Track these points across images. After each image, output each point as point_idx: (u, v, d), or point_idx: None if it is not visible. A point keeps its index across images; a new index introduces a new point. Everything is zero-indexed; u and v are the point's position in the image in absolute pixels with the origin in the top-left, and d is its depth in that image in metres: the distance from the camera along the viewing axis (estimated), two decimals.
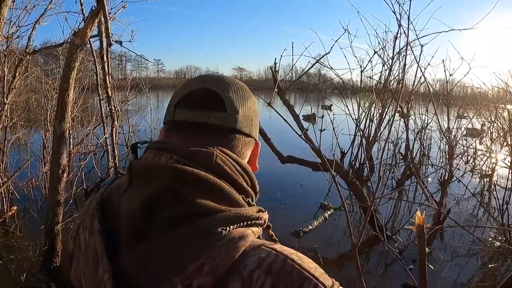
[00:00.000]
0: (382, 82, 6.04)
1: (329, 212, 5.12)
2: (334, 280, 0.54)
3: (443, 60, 4.94)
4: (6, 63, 4.45)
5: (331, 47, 4.56)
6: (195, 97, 0.62)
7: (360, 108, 5.97)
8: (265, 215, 0.60)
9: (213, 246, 0.50)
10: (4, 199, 4.51)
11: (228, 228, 0.51)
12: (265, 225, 0.61)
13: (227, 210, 0.54)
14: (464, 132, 7.02)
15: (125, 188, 0.58)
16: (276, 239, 0.70)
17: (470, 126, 6.77)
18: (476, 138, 6.18)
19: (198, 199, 0.53)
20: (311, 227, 4.65)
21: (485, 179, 6.51)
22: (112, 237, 0.55)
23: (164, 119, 0.66)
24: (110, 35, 3.14)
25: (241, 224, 0.54)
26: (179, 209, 0.52)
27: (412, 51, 3.48)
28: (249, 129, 0.66)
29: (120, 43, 3.50)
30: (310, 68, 4.69)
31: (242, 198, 0.59)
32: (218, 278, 0.49)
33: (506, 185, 4.90)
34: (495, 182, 5.69)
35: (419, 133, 7.03)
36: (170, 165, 0.56)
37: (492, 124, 6.22)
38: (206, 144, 0.59)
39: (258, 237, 0.58)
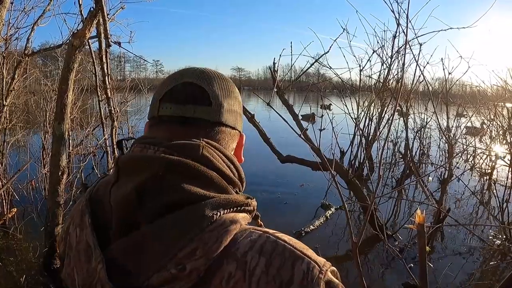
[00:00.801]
0: (381, 81, 6.04)
1: (330, 212, 5.11)
2: (326, 260, 0.55)
3: (442, 58, 4.95)
4: (5, 65, 4.45)
5: (330, 47, 4.57)
6: (180, 91, 0.62)
7: (360, 107, 5.97)
8: (254, 202, 0.61)
9: (204, 230, 0.50)
10: (3, 201, 4.50)
11: (218, 213, 0.52)
12: (254, 212, 0.62)
13: (216, 196, 0.55)
14: (464, 131, 7.03)
15: (113, 182, 0.58)
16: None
17: (470, 124, 6.78)
18: (475, 137, 6.17)
19: (188, 187, 0.54)
20: (313, 227, 4.64)
21: (485, 178, 6.51)
22: (101, 232, 0.56)
23: (148, 114, 0.66)
24: (109, 36, 3.14)
25: (231, 209, 0.55)
26: (168, 197, 0.53)
27: (411, 50, 3.50)
28: (234, 122, 0.66)
29: (119, 44, 3.49)
30: (309, 68, 4.71)
31: (230, 188, 0.60)
32: (210, 262, 0.49)
33: (506, 183, 4.90)
34: (495, 180, 5.69)
35: (419, 132, 7.04)
36: (158, 155, 0.56)
37: (492, 123, 6.22)
38: (192, 137, 0.59)
39: (248, 224, 0.58)
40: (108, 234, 0.55)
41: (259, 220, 0.69)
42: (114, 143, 4.19)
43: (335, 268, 0.56)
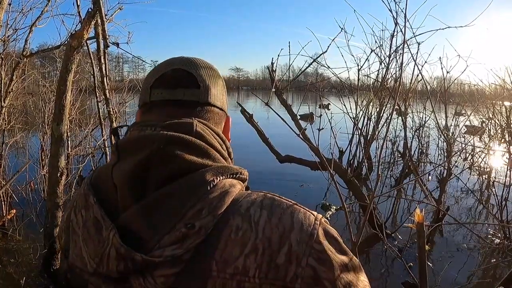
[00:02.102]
0: (380, 80, 6.05)
1: (330, 213, 5.11)
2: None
3: (440, 57, 4.95)
4: (3, 66, 4.43)
5: (328, 46, 4.58)
6: (169, 77, 0.67)
7: (358, 106, 5.97)
8: (246, 172, 0.66)
9: (208, 192, 0.55)
10: (2, 202, 4.49)
11: (218, 178, 0.58)
12: (247, 182, 0.67)
13: (214, 164, 0.60)
14: (464, 130, 7.04)
15: (114, 163, 0.61)
16: None
17: (469, 123, 6.79)
18: (474, 136, 6.18)
19: (188, 157, 0.58)
20: None
21: (484, 176, 6.52)
22: (107, 208, 0.58)
23: (139, 103, 0.71)
24: (107, 37, 3.14)
25: (228, 175, 0.60)
26: (171, 167, 0.57)
27: (409, 49, 3.49)
28: (221, 103, 0.72)
29: (117, 44, 3.49)
30: (307, 68, 4.69)
31: (223, 160, 0.65)
32: (217, 219, 0.54)
33: (505, 181, 4.90)
34: (494, 179, 5.70)
35: (417, 131, 7.04)
36: (156, 133, 0.60)
37: (490, 121, 6.23)
38: (184, 117, 0.64)
39: None
40: (113, 213, 0.57)
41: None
42: (113, 143, 4.18)
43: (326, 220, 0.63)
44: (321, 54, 4.63)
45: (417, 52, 4.15)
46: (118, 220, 0.55)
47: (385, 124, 5.81)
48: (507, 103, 5.56)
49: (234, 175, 0.62)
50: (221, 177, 0.58)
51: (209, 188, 0.55)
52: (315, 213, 0.60)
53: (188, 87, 0.66)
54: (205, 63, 0.72)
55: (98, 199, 0.60)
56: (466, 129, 7.17)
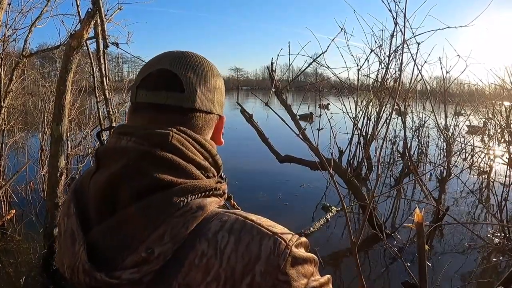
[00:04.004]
0: (379, 80, 6.06)
1: (331, 214, 5.10)
2: (295, 234, 0.60)
3: (439, 57, 4.97)
4: (2, 66, 4.43)
5: (328, 46, 4.59)
6: (154, 78, 0.65)
7: (358, 106, 5.98)
8: (224, 186, 0.64)
9: (172, 216, 0.54)
10: (2, 202, 4.49)
11: (186, 199, 0.56)
12: (225, 195, 0.65)
13: (184, 182, 0.58)
14: (466, 130, 7.04)
15: (93, 172, 0.62)
16: (239, 208, 0.74)
17: (470, 123, 6.78)
18: (474, 135, 6.19)
19: (157, 174, 0.57)
20: (313, 229, 4.61)
21: (483, 176, 6.52)
22: (85, 219, 0.59)
23: (130, 99, 0.70)
24: (107, 37, 3.14)
25: (199, 194, 0.58)
26: (139, 184, 0.56)
27: (409, 49, 3.50)
28: (210, 107, 0.68)
29: (117, 44, 3.49)
30: (307, 68, 4.70)
31: (201, 173, 0.63)
32: (178, 245, 0.53)
33: (504, 181, 4.91)
34: (493, 179, 5.70)
35: (417, 130, 7.05)
36: (129, 146, 0.59)
37: (490, 121, 6.23)
38: (165, 124, 0.62)
39: (219, 207, 0.62)
40: (90, 221, 0.58)
41: (232, 201, 0.73)
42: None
43: (304, 240, 0.60)
44: (320, 54, 4.65)
45: (416, 52, 4.17)
46: (90, 234, 0.56)
47: (385, 124, 5.81)
48: (506, 103, 5.57)
49: (208, 192, 0.59)
50: (190, 197, 0.56)
51: (174, 211, 0.54)
52: (289, 236, 0.58)
53: (171, 90, 0.63)
54: (197, 61, 0.68)
55: (78, 207, 0.61)
56: (467, 129, 7.17)
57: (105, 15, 3.11)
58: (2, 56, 4.46)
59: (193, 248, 0.53)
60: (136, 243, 0.53)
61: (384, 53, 5.91)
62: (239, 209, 0.73)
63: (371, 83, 6.41)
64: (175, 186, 0.56)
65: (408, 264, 2.69)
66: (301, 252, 0.58)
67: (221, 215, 0.58)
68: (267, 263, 0.53)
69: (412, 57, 3.57)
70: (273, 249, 0.54)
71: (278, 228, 0.59)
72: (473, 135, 6.16)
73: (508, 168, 4.94)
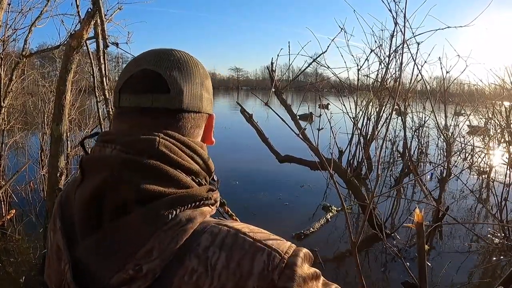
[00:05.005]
0: (379, 80, 6.06)
1: (331, 214, 5.10)
2: (291, 243, 0.56)
3: (439, 57, 4.96)
4: (2, 66, 4.43)
5: (328, 46, 4.59)
6: (137, 80, 0.60)
7: (358, 106, 5.98)
8: (215, 194, 0.61)
9: (160, 230, 0.51)
10: (2, 202, 4.49)
11: (174, 212, 0.53)
12: (217, 203, 0.62)
13: (172, 193, 0.54)
14: (467, 130, 7.03)
15: (78, 183, 0.59)
16: (233, 214, 0.72)
17: (470, 123, 6.77)
18: (474, 135, 6.19)
19: (143, 185, 0.53)
20: (313, 230, 4.61)
21: (483, 176, 6.52)
22: (72, 233, 0.57)
23: (113, 104, 0.65)
24: (107, 37, 3.14)
25: (189, 205, 0.54)
26: (125, 196, 0.53)
27: (409, 49, 3.50)
28: (198, 106, 0.64)
29: (117, 44, 3.49)
30: (307, 68, 4.71)
31: (192, 179, 0.59)
32: (167, 261, 0.50)
33: (504, 181, 4.91)
34: (493, 179, 5.70)
35: (417, 130, 7.04)
36: (114, 155, 0.56)
37: (490, 121, 6.23)
38: (151, 128, 0.58)
39: (211, 216, 0.59)
40: (77, 235, 0.56)
41: (226, 207, 0.70)
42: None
43: (304, 251, 0.56)
44: (320, 54, 4.65)
45: (416, 52, 4.16)
46: (76, 250, 0.54)
47: (385, 124, 5.81)
48: (506, 103, 5.56)
49: (198, 202, 0.56)
50: (179, 209, 0.53)
51: (161, 225, 0.51)
52: (284, 248, 0.54)
53: (156, 92, 0.59)
54: (181, 58, 0.64)
55: (64, 222, 0.59)
56: (468, 129, 7.17)
57: (105, 15, 3.11)
58: (2, 56, 4.46)
59: (183, 265, 0.51)
60: (122, 260, 0.50)
61: (384, 53, 5.91)
62: (233, 215, 0.72)
63: (371, 83, 6.42)
64: (163, 197, 0.53)
65: (408, 264, 2.69)
66: (298, 262, 0.54)
67: (212, 227, 0.54)
68: (259, 279, 0.51)
69: (412, 57, 3.58)
70: (266, 264, 0.52)
71: (273, 239, 0.55)
72: (473, 135, 6.16)
73: (508, 168, 4.94)
